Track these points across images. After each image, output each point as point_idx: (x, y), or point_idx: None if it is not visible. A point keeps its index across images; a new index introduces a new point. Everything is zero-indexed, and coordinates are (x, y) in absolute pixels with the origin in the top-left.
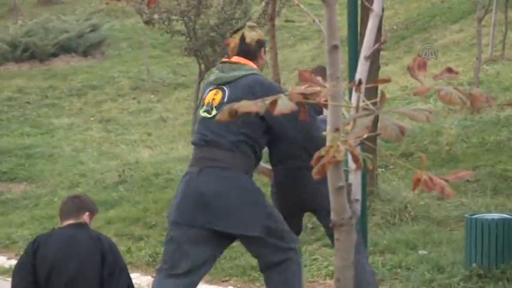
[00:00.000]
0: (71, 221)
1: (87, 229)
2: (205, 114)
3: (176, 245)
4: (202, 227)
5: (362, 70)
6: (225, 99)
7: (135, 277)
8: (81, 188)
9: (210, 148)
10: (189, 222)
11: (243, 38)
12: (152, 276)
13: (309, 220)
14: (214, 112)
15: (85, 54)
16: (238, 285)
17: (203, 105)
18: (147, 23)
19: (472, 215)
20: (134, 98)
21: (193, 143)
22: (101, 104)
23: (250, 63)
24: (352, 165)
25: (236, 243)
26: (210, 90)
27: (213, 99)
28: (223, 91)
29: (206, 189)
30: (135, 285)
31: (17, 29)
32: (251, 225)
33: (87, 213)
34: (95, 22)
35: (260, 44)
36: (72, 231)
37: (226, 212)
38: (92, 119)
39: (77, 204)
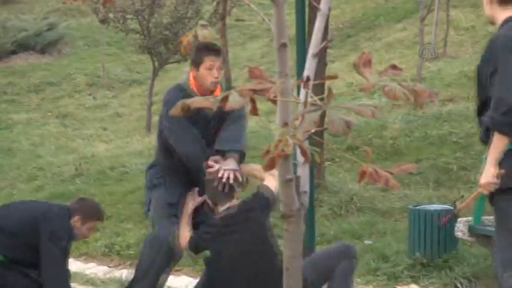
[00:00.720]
0: None
1: None
2: None
3: None
4: None
5: (310, 67)
6: None
7: (91, 267)
8: (39, 181)
9: None
10: None
11: None
12: (109, 267)
13: None
14: None
15: (43, 52)
16: (191, 274)
17: None
18: (102, 21)
19: (415, 206)
20: (90, 94)
21: None
22: (58, 100)
23: None
24: (300, 158)
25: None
26: None
27: None
28: None
29: None
30: (91, 275)
31: None
32: None
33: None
34: (52, 21)
35: None
36: None
37: None
38: (49, 114)
39: None
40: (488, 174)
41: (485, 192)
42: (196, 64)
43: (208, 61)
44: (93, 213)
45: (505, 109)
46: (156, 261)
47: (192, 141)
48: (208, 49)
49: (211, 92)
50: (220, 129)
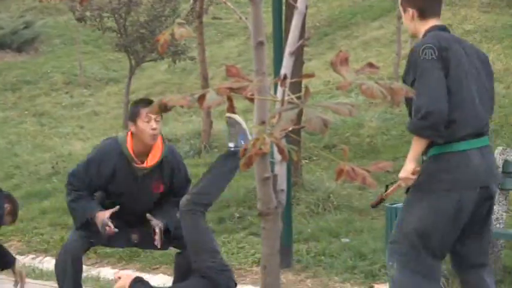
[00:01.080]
0: None
1: None
2: None
3: None
4: None
5: (287, 65)
6: None
7: None
8: (15, 179)
9: None
10: None
11: None
12: (86, 265)
13: (236, 210)
14: None
15: (19, 50)
16: (168, 273)
17: None
18: (79, 20)
19: (392, 204)
20: (67, 93)
21: None
22: (35, 98)
23: None
24: (277, 156)
25: None
26: None
27: None
28: None
29: None
30: None
31: None
32: None
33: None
34: (29, 19)
35: None
36: None
37: None
38: (26, 112)
39: None
40: (407, 170)
41: (403, 185)
42: (133, 119)
43: (144, 112)
44: (17, 209)
45: (422, 114)
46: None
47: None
48: (144, 102)
49: (149, 151)
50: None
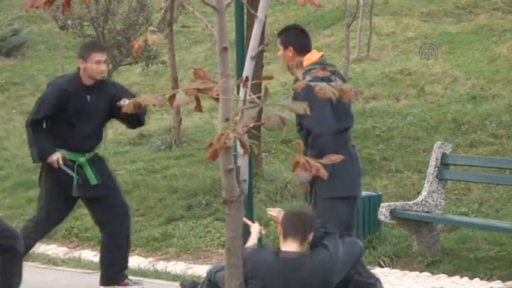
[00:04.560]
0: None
1: None
2: None
3: None
4: None
5: (248, 68)
6: None
7: (52, 248)
8: (4, 171)
9: None
10: None
11: None
12: (68, 248)
13: (203, 198)
14: None
15: (8, 55)
16: (143, 254)
17: None
18: (61, 28)
19: None
20: None
21: None
22: (22, 98)
23: None
24: (240, 150)
25: (138, 217)
26: None
27: None
28: None
29: None
30: (52, 255)
31: None
32: None
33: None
34: (16, 27)
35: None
36: None
37: None
38: (14, 111)
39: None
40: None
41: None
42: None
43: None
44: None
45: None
46: None
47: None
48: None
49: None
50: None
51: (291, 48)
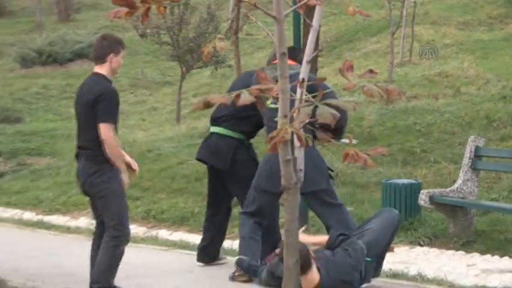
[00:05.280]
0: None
1: None
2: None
3: None
4: None
5: (304, 71)
6: None
7: (133, 228)
8: None
9: None
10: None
11: None
12: (147, 227)
13: None
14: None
15: None
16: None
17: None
18: (141, 36)
19: (387, 180)
20: (132, 93)
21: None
22: None
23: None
24: (296, 143)
25: None
26: None
27: None
28: None
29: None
30: (133, 234)
31: (42, 41)
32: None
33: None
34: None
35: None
36: None
37: None
38: None
39: None
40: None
41: None
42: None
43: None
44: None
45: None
46: None
47: None
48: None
49: None
50: None
51: None
